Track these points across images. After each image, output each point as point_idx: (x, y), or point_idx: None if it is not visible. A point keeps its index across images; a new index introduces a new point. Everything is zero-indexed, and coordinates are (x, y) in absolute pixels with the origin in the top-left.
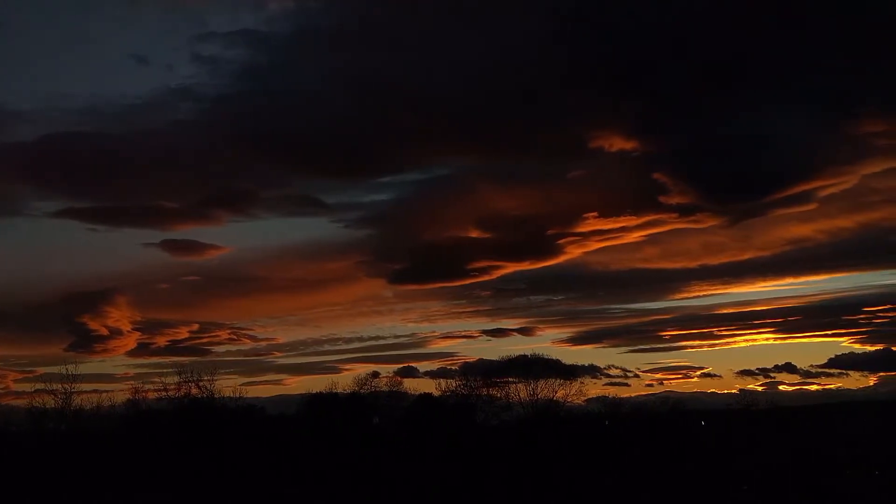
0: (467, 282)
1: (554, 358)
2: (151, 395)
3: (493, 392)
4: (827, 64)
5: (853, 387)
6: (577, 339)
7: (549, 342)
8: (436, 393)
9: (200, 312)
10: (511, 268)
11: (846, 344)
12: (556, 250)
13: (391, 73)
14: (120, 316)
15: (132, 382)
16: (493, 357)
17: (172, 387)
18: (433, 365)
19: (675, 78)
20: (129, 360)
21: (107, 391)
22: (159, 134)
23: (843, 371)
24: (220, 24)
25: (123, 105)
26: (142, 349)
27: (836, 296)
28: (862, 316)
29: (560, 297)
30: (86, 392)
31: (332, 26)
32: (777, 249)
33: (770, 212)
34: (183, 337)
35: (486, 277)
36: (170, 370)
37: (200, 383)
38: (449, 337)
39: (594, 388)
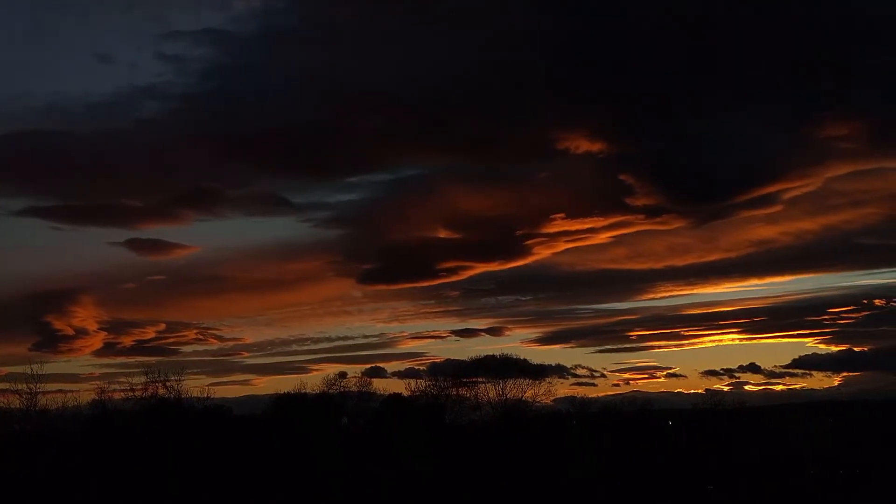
0: (436, 282)
1: (522, 358)
2: (118, 396)
3: (463, 392)
4: (791, 68)
5: (817, 387)
6: (545, 340)
7: (517, 342)
8: (405, 393)
9: (167, 312)
10: (480, 268)
11: (811, 344)
12: (524, 251)
13: (359, 72)
14: (86, 315)
15: (98, 383)
16: (463, 357)
17: (139, 387)
18: (402, 365)
19: (642, 81)
20: (94, 360)
21: (72, 391)
22: (124, 133)
23: (807, 371)
24: (184, 22)
25: (88, 104)
26: (108, 349)
27: (801, 297)
28: (826, 317)
29: (528, 298)
30: (51, 392)
31: (299, 26)
32: (742, 251)
33: (735, 214)
34: (149, 337)
35: (454, 278)
36: (136, 370)
37: (167, 384)
38: (418, 337)
39: (562, 388)
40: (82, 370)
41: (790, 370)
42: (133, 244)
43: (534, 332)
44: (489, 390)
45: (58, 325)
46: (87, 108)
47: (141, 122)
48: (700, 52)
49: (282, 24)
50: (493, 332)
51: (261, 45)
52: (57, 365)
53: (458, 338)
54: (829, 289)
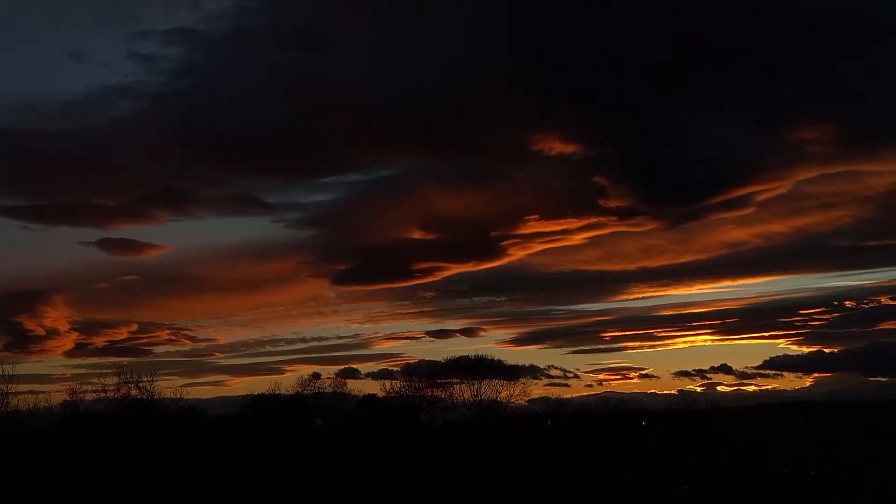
0: (411, 283)
1: (496, 359)
2: (90, 397)
3: (437, 393)
4: (762, 71)
5: (789, 388)
6: (520, 340)
7: (492, 343)
8: (380, 394)
9: (139, 312)
10: (454, 269)
11: (783, 345)
12: (499, 252)
13: (332, 72)
14: (57, 316)
15: (70, 383)
16: (438, 358)
17: (111, 388)
18: (377, 366)
19: (615, 83)
20: (66, 361)
21: (43, 392)
22: (96, 132)
23: (778, 372)
24: (156, 21)
25: (59, 102)
26: (80, 349)
27: (773, 298)
28: (798, 318)
29: (503, 299)
30: (22, 393)
31: (271, 26)
32: (714, 253)
33: (707, 216)
34: (122, 337)
35: (429, 279)
36: (109, 371)
37: (140, 384)
38: (393, 338)
39: (536, 389)
40: (54, 371)
41: (762, 371)
42: (105, 244)
43: (509, 332)
44: (464, 391)
45: (29, 325)
46: (59, 106)
47: (113, 121)
48: (673, 55)
49: (254, 24)
50: (468, 332)
51: (233, 45)
52: (28, 365)
53: (432, 339)
54: (801, 290)
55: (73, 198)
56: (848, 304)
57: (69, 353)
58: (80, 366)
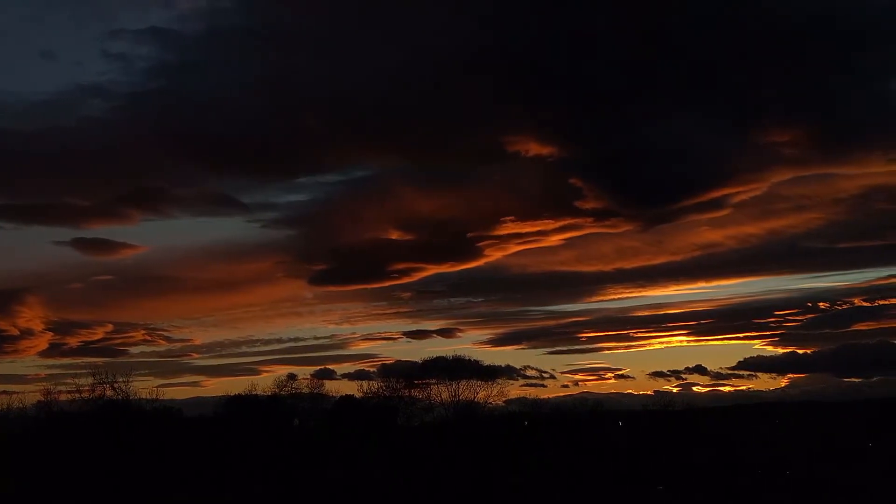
0: (388, 283)
1: (473, 359)
2: (64, 397)
3: (415, 394)
4: (736, 75)
5: (763, 388)
6: (497, 341)
7: (469, 344)
8: (357, 395)
9: (114, 313)
10: (432, 270)
11: (758, 346)
12: (475, 253)
13: (307, 73)
14: (31, 316)
15: (44, 384)
16: (415, 359)
17: (86, 388)
18: (353, 367)
19: (591, 86)
20: (40, 361)
21: (17, 392)
22: (69, 131)
23: (753, 373)
24: (129, 21)
25: (32, 101)
26: (54, 350)
27: (747, 299)
28: (772, 319)
29: (480, 300)
30: None
31: (245, 26)
32: (689, 254)
33: (682, 218)
34: (97, 337)
35: (406, 279)
36: (83, 371)
37: (115, 385)
38: (369, 339)
39: (513, 390)
40: (28, 371)
41: (736, 371)
42: (79, 244)
43: (485, 333)
44: (442, 392)
45: (2, 325)
46: (31, 105)
47: (86, 121)
48: (649, 57)
49: (228, 24)
50: (445, 333)
51: (207, 45)
52: (1, 366)
53: (410, 339)
54: (775, 292)
55: (46, 197)
56: (821, 305)
57: (43, 354)
58: (54, 366)
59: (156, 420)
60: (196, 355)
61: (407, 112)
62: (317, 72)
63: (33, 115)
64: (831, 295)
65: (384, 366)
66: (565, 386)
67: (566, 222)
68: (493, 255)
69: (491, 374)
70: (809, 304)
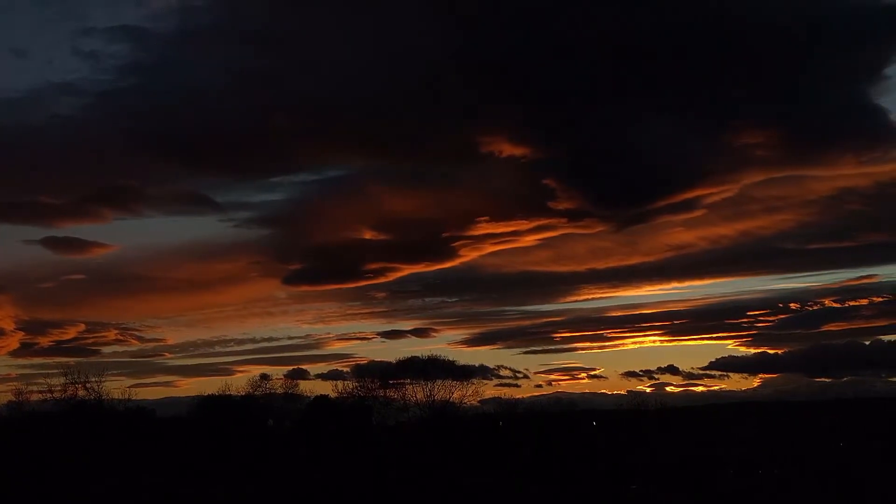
0: (362, 283)
1: (449, 359)
2: (35, 397)
3: (390, 394)
4: (708, 76)
5: (736, 388)
6: (472, 341)
7: (444, 344)
8: (332, 395)
9: (86, 312)
10: (406, 270)
11: (731, 346)
12: (450, 253)
13: (280, 72)
14: (2, 315)
15: (15, 384)
16: (389, 359)
17: (58, 388)
18: (328, 367)
19: (565, 87)
20: (11, 361)
21: None
22: (39, 129)
23: (725, 373)
24: (100, 19)
25: (2, 99)
26: (25, 349)
27: (720, 300)
28: (745, 319)
29: (455, 300)
30: None
31: (217, 24)
32: (662, 255)
33: (655, 218)
34: (68, 337)
35: (381, 279)
36: (55, 371)
37: (87, 385)
38: (344, 339)
39: (488, 390)
40: None
41: (708, 371)
42: (49, 242)
43: (461, 333)
44: (417, 392)
45: None
46: (2, 103)
47: (56, 119)
48: (621, 59)
49: (200, 22)
50: (420, 333)
51: (178, 43)
52: None
53: (384, 339)
54: (748, 292)
55: (16, 196)
56: (793, 305)
57: (14, 353)
58: (25, 366)
59: (128, 420)
60: (169, 355)
61: (381, 112)
62: (290, 71)
63: (4, 113)
64: (803, 295)
65: (358, 366)
66: (539, 386)
67: (540, 223)
68: (468, 256)
69: (465, 374)
70: (781, 305)
